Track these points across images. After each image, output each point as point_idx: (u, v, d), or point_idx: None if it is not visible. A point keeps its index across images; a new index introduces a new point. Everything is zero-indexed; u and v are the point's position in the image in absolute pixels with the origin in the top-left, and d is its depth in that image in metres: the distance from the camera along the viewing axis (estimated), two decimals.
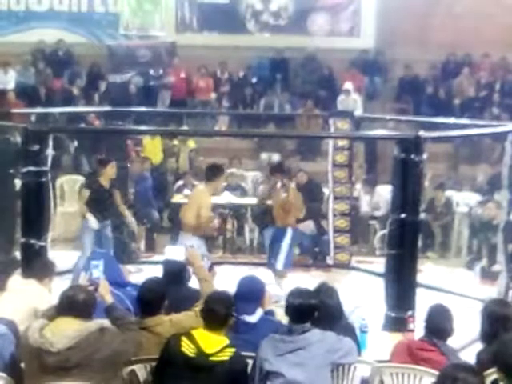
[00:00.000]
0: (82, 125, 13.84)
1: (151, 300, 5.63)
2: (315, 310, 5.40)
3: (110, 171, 9.88)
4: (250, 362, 5.31)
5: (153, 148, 14.62)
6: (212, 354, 4.97)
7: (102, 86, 16.65)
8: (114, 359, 4.83)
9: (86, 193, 9.84)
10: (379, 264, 9.09)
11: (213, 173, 9.22)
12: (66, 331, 4.74)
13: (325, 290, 5.93)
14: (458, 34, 16.93)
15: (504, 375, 4.15)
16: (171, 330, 5.36)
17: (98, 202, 9.78)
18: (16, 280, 6.84)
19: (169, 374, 5.05)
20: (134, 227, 10.86)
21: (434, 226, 12.57)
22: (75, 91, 16.54)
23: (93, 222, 9.68)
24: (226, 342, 5.07)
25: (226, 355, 4.98)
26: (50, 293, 6.69)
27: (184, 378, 4.98)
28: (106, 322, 4.99)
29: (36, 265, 7.05)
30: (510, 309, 5.48)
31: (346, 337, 5.47)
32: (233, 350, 5.02)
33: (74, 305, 4.87)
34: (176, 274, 6.87)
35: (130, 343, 5.01)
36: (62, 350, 4.69)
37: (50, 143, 7.78)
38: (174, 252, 6.93)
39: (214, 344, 5.01)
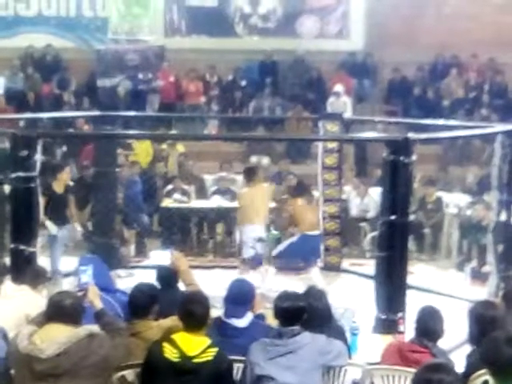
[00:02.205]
0: (71, 130, 13.83)
1: (142, 302, 5.64)
2: (304, 313, 5.40)
3: (64, 176, 9.88)
4: (241, 365, 5.31)
5: (141, 151, 14.61)
6: (195, 356, 4.95)
7: (93, 91, 16.65)
8: (103, 365, 4.81)
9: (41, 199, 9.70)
10: (370, 266, 9.08)
11: (253, 173, 10.54)
12: (56, 337, 4.71)
13: (313, 293, 5.93)
14: (447, 35, 16.97)
15: (493, 373, 4.13)
16: (159, 334, 5.36)
17: (53, 208, 9.63)
18: (9, 286, 6.83)
19: (155, 381, 5.03)
20: (77, 236, 10.82)
21: (425, 225, 12.58)
22: (65, 96, 16.52)
23: (51, 228, 9.69)
24: (208, 342, 5.04)
25: (209, 355, 4.96)
26: (42, 298, 6.69)
27: (170, 382, 4.97)
28: (95, 328, 4.96)
29: (28, 271, 7.03)
30: (496, 310, 5.49)
31: (336, 339, 5.47)
32: (215, 349, 5.00)
33: (62, 310, 4.84)
34: (168, 278, 6.88)
35: (119, 349, 4.98)
36: (52, 357, 4.66)
37: (39, 148, 7.75)
38: (160, 257, 6.94)
39: (196, 345, 4.99)
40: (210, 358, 4.94)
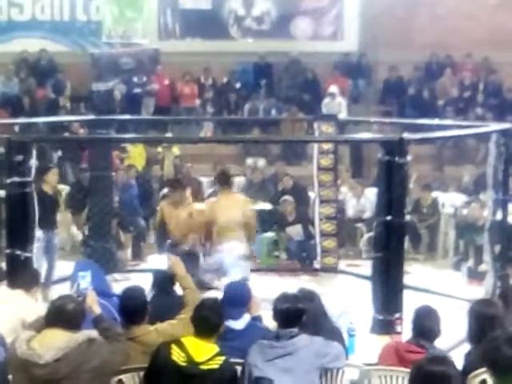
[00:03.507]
0: (66, 134, 13.82)
1: (134, 308, 5.59)
2: (303, 314, 5.40)
3: (51, 178, 9.68)
4: (238, 368, 5.30)
5: (136, 155, 14.60)
6: (202, 363, 4.94)
7: (89, 95, 16.68)
8: (102, 370, 4.81)
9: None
10: (366, 267, 9.08)
11: (227, 178, 9.70)
12: (54, 343, 4.71)
13: (305, 295, 5.90)
14: (441, 35, 17.00)
15: (493, 373, 4.13)
16: (158, 339, 5.34)
17: (44, 210, 9.04)
18: (3, 291, 6.82)
19: (159, 383, 5.03)
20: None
21: (420, 227, 12.58)
22: (60, 100, 16.53)
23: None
24: (216, 349, 5.04)
25: (216, 363, 4.95)
26: (37, 303, 6.69)
27: None
28: (93, 333, 4.96)
29: (22, 275, 7.02)
30: (496, 308, 5.49)
31: (333, 341, 5.47)
32: (223, 358, 5.00)
33: (63, 315, 4.84)
34: (165, 282, 6.87)
35: (118, 354, 4.98)
36: (50, 362, 4.65)
37: (34, 153, 7.75)
38: (158, 261, 6.91)
39: (205, 352, 4.98)
40: (216, 367, 4.93)
